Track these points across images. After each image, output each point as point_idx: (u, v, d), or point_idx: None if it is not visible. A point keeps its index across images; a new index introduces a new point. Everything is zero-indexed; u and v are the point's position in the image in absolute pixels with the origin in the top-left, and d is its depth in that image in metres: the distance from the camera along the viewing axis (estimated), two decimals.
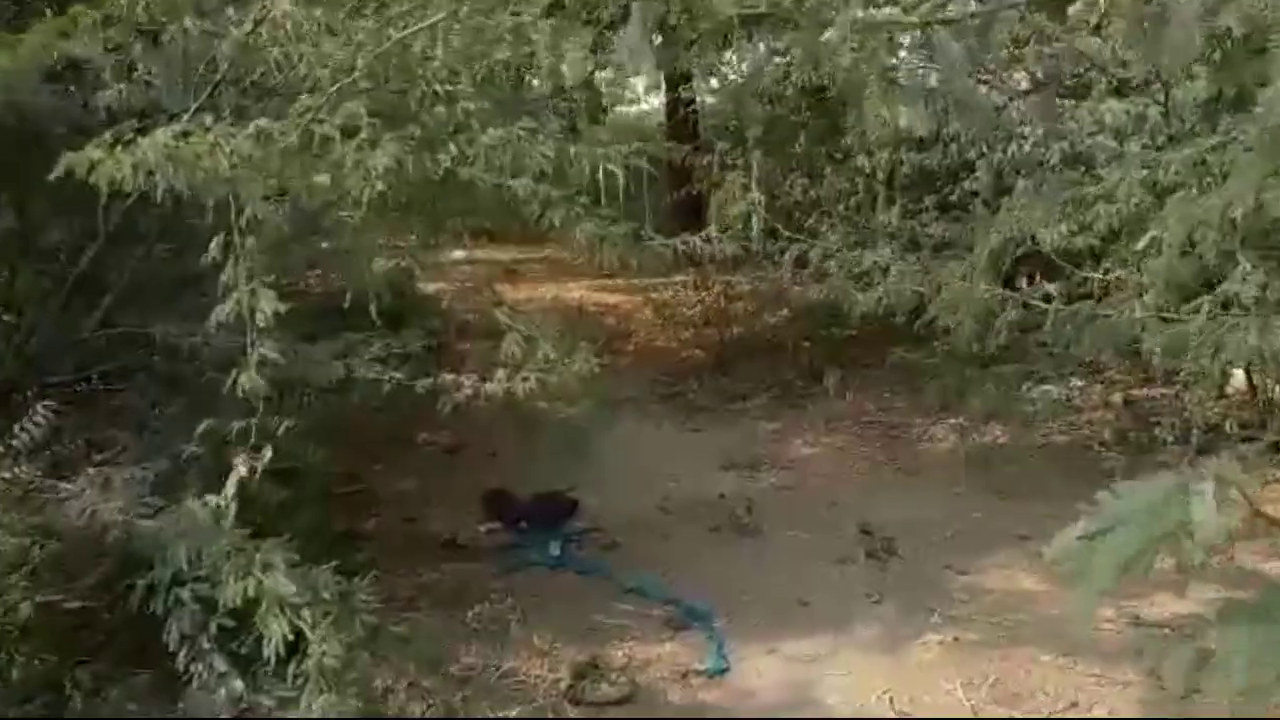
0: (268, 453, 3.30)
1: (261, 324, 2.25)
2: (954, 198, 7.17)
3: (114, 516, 2.78)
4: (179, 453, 3.23)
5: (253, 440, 3.32)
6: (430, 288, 6.29)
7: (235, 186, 2.42)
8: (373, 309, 3.62)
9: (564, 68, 2.82)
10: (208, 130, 2.55)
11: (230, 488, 2.53)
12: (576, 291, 11.06)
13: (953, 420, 6.61)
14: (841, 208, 7.98)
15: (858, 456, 6.32)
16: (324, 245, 4.29)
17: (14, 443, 2.75)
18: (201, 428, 3.02)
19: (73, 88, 3.48)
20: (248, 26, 3.17)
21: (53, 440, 3.07)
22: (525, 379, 3.96)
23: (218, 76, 3.25)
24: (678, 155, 7.85)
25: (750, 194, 7.61)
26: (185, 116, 3.01)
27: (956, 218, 7.07)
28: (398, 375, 3.83)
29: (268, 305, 2.24)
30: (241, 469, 2.50)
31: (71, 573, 2.71)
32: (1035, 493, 5.35)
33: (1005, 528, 4.99)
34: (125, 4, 2.86)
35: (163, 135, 2.35)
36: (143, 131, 3.22)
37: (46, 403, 2.87)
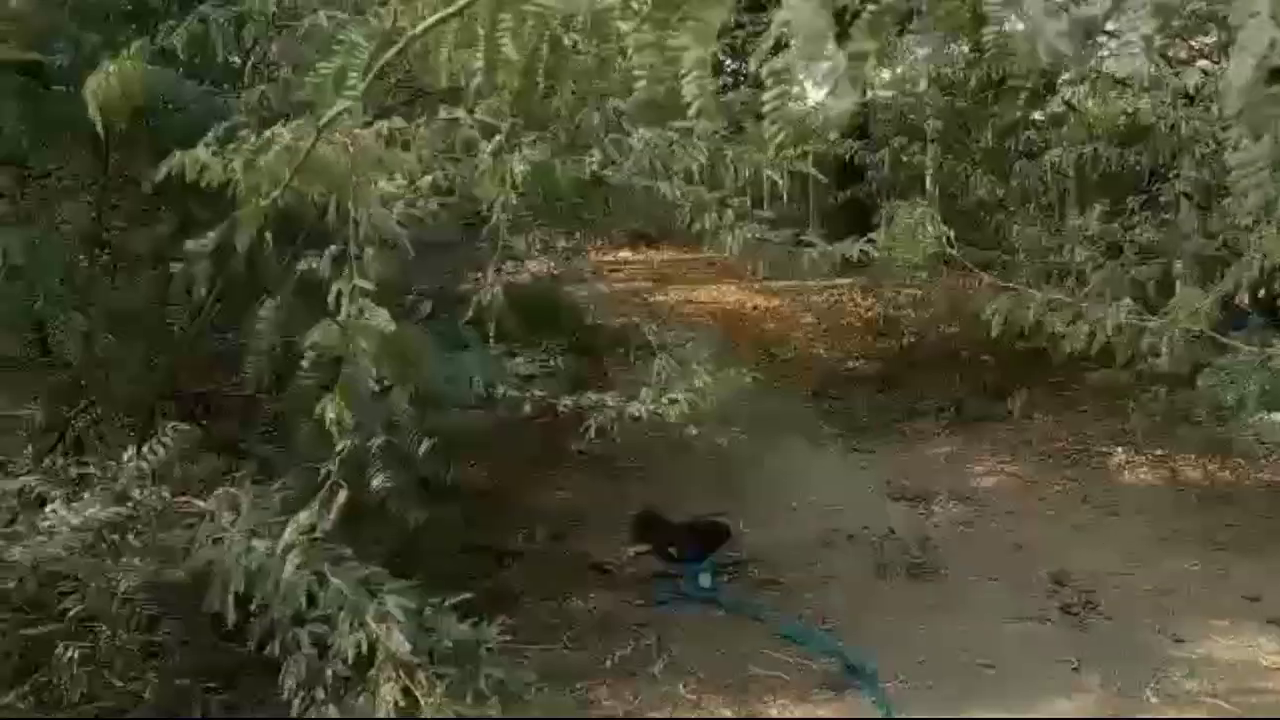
0: (378, 479, 3.11)
1: (364, 346, 1.98)
2: (1162, 198, 6.37)
3: (239, 542, 2.61)
4: (315, 471, 3.09)
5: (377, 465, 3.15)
6: (581, 292, 6.08)
7: (357, 191, 2.18)
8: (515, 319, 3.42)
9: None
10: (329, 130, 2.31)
11: (329, 520, 2.30)
12: (734, 295, 10.68)
13: (1159, 452, 5.84)
14: (1031, 208, 7.24)
15: (1047, 490, 5.64)
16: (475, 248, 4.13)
17: (143, 464, 2.63)
18: (340, 447, 2.85)
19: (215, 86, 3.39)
20: (388, 21, 2.95)
21: (187, 457, 2.95)
22: (674, 400, 3.65)
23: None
24: (847, 153, 7.35)
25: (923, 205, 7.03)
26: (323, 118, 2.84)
27: (1163, 221, 6.29)
28: (540, 393, 3.57)
29: (378, 324, 1.97)
30: (341, 498, 2.27)
31: (193, 600, 2.57)
32: (1263, 544, 4.62)
33: (1229, 585, 4.30)
34: (256, 2, 2.69)
35: (282, 135, 2.13)
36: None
37: (176, 424, 2.75)
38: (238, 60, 3.18)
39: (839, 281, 10.36)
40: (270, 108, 3.22)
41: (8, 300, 3.41)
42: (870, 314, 9.18)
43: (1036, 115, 6.95)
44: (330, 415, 1.92)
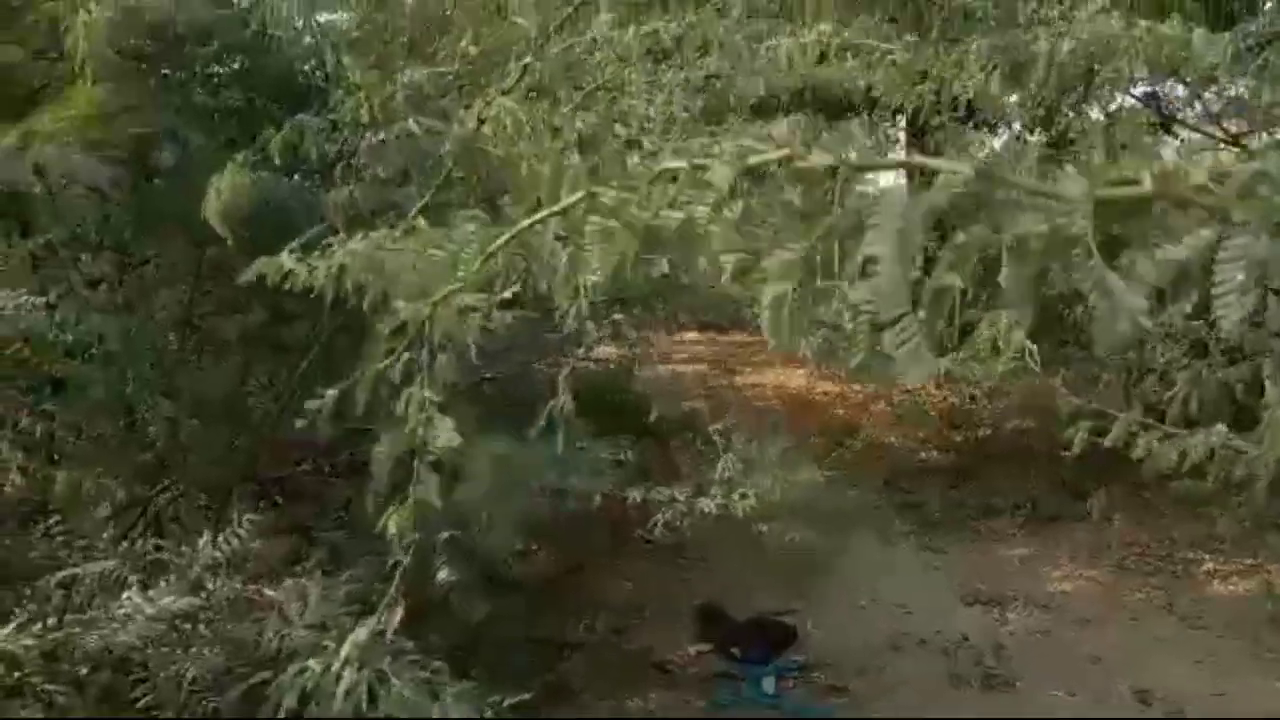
0: (443, 572, 3.12)
1: (431, 459, 1.99)
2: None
3: (303, 637, 2.63)
4: (383, 561, 3.11)
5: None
6: (650, 377, 6.10)
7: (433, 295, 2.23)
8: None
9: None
10: (412, 234, 2.38)
11: (389, 628, 2.30)
12: (801, 379, 10.60)
13: (1250, 560, 5.55)
14: None
15: (1128, 598, 5.39)
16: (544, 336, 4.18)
17: (217, 554, 2.68)
18: (408, 539, 2.87)
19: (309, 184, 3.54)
20: (470, 124, 3.06)
21: (261, 545, 3.01)
22: (744, 496, 3.62)
23: (442, 175, 3.17)
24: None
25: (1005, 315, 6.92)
26: (410, 215, 2.94)
27: (1251, 318, 6.08)
28: (606, 486, 3.57)
29: (444, 437, 1.99)
30: (399, 612, 2.26)
31: (258, 700, 2.58)
32: None
33: None
34: (349, 109, 2.82)
35: (362, 243, 2.21)
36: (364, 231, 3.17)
37: (250, 515, 2.80)
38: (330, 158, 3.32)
39: None
40: (358, 206, 3.36)
41: (101, 382, 3.56)
42: (944, 404, 9.01)
43: None
44: (391, 530, 1.93)
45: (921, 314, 0.76)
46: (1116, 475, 6.55)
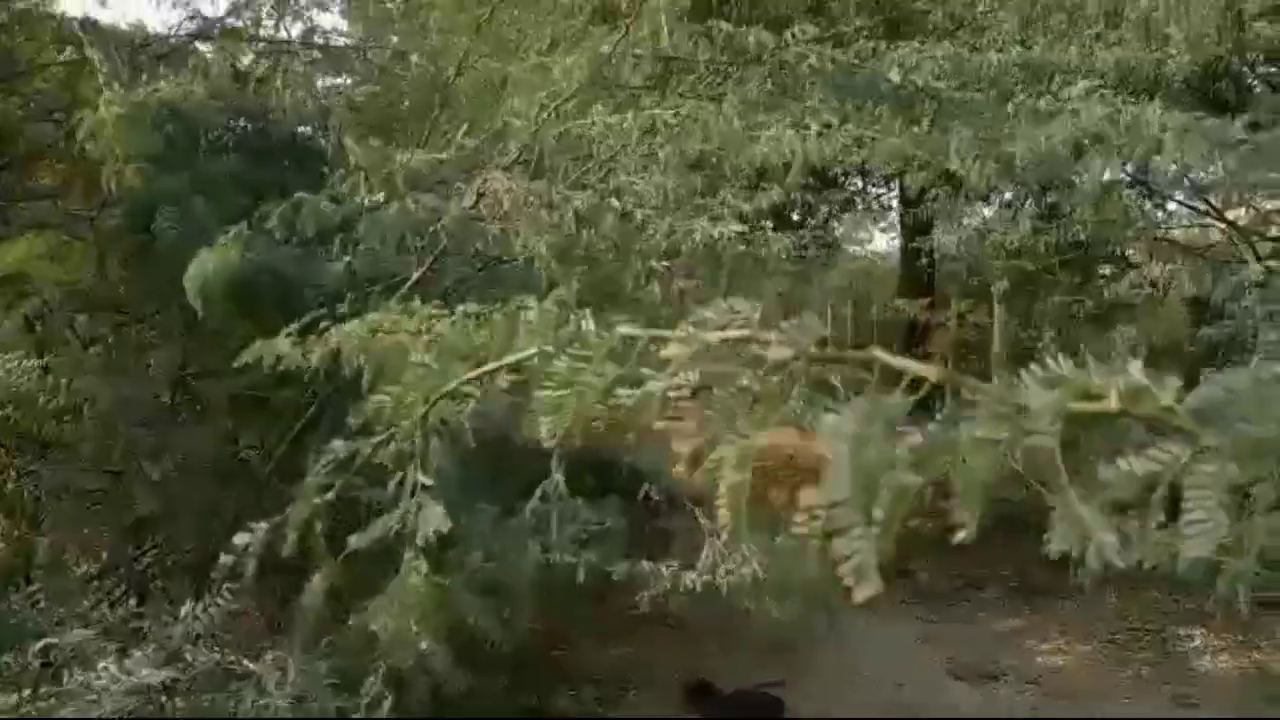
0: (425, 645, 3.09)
1: (420, 544, 2.00)
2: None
3: (282, 709, 2.60)
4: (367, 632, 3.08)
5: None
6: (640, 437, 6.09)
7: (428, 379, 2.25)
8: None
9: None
10: (409, 315, 2.41)
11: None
12: (795, 439, 10.58)
13: (1243, 637, 5.51)
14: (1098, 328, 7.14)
15: (1120, 673, 5.34)
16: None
17: (197, 624, 2.66)
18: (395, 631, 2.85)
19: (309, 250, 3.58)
20: (468, 200, 3.12)
21: (245, 611, 2.99)
22: (730, 573, 3.61)
23: (438, 249, 3.22)
24: (911, 310, 7.43)
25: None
26: (404, 288, 2.99)
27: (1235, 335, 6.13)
28: (591, 558, 3.56)
29: (433, 523, 1.99)
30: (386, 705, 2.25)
31: None
32: None
33: None
34: (348, 186, 2.87)
35: (356, 325, 2.23)
36: (363, 302, 3.21)
37: (231, 586, 2.78)
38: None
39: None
40: (355, 275, 3.40)
41: (90, 444, 3.56)
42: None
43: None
44: (375, 626, 1.93)
45: (879, 514, 0.74)
46: None
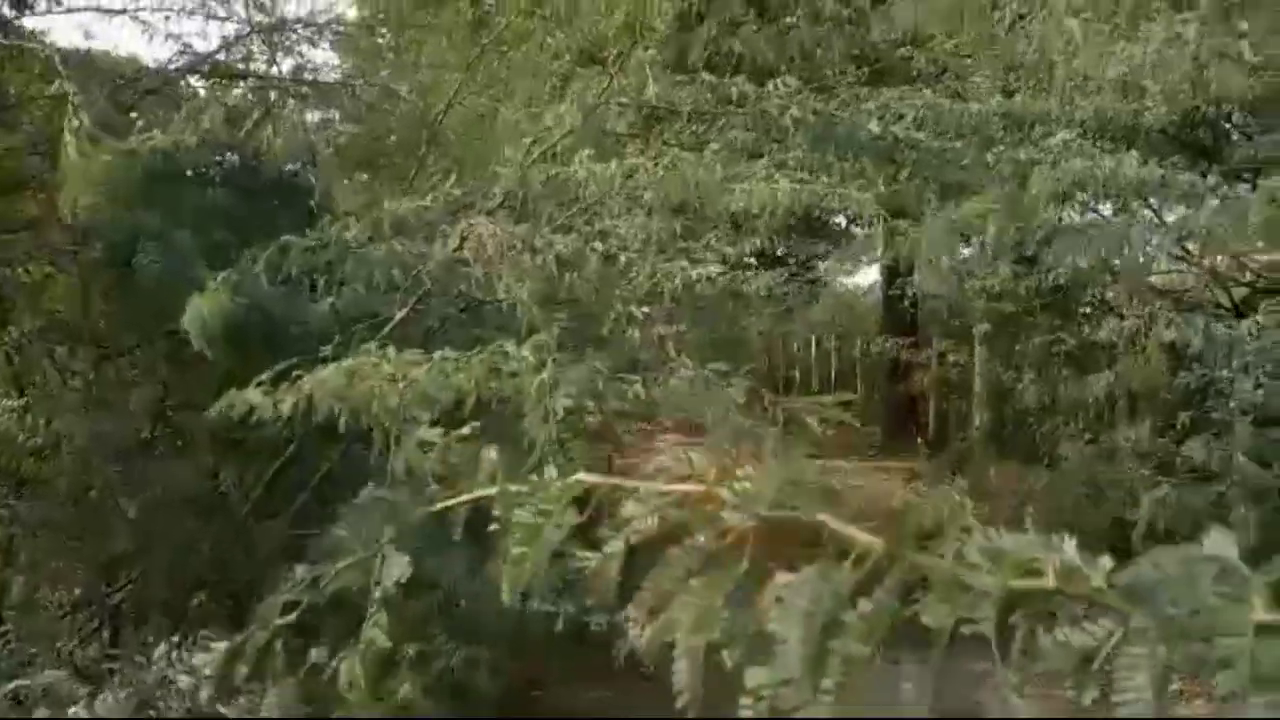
0: (405, 688, 3.08)
1: (379, 595, 1.99)
2: (1215, 414, 6.28)
3: None
4: None
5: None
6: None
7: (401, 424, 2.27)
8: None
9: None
10: (385, 361, 2.44)
11: None
12: None
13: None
14: (1080, 417, 7.19)
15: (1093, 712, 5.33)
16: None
17: (169, 671, 2.65)
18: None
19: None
20: (453, 243, 3.15)
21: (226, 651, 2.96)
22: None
23: (422, 291, 3.24)
24: (893, 350, 7.50)
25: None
26: (387, 329, 3.01)
27: (1216, 435, 6.19)
28: (569, 608, 3.54)
29: (397, 572, 1.99)
30: None
31: None
32: None
33: None
34: (335, 231, 2.90)
35: (331, 372, 2.26)
36: (347, 342, 3.22)
37: (205, 632, 2.77)
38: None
39: (888, 464, 10.37)
40: (339, 313, 3.42)
41: (69, 476, 3.55)
42: None
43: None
44: (343, 678, 1.92)
45: (829, 684, 0.74)
46: None
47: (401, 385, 2.36)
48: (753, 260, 5.44)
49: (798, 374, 11.90)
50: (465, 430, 2.48)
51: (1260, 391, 5.81)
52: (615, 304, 3.57)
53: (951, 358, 7.42)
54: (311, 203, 4.00)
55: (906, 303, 8.79)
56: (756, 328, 5.41)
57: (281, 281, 3.61)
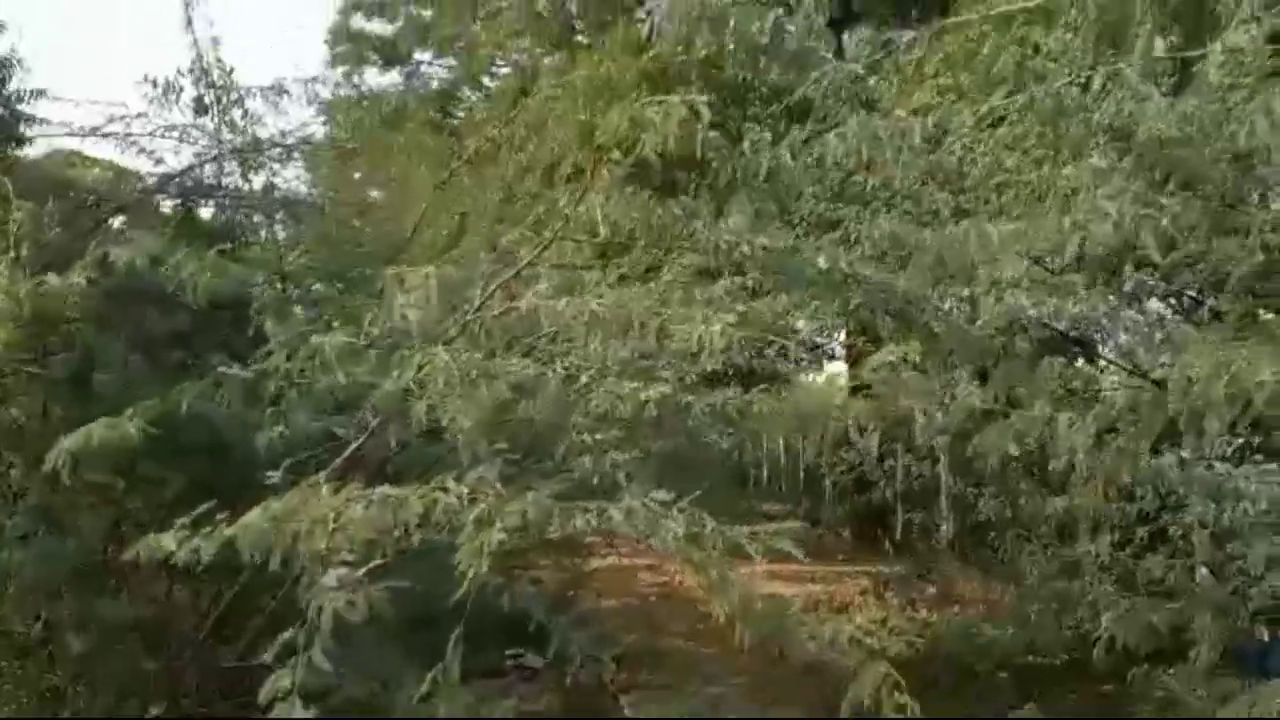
0: None
1: None
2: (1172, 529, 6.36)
3: None
4: None
5: None
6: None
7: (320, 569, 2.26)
8: None
9: None
10: (315, 500, 2.45)
11: None
12: (743, 578, 10.51)
13: None
14: (1042, 530, 7.23)
15: None
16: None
17: None
18: None
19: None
20: (406, 376, 3.18)
21: None
22: None
23: (376, 419, 3.27)
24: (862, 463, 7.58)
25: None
26: (324, 473, 3.01)
27: (1174, 553, 6.25)
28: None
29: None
30: None
31: None
32: None
33: None
34: (276, 364, 2.94)
35: (256, 516, 2.28)
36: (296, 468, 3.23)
37: None
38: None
39: (858, 567, 10.36)
40: (287, 440, 3.44)
41: (15, 605, 3.49)
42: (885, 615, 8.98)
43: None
44: None
45: None
46: (1054, 692, 6.47)
47: (332, 525, 2.37)
48: (714, 373, 5.52)
49: (768, 477, 11.93)
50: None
51: (1215, 506, 5.90)
52: (569, 430, 3.62)
53: (915, 469, 7.49)
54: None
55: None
56: (720, 442, 5.44)
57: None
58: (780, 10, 2.80)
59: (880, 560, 10.22)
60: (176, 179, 4.69)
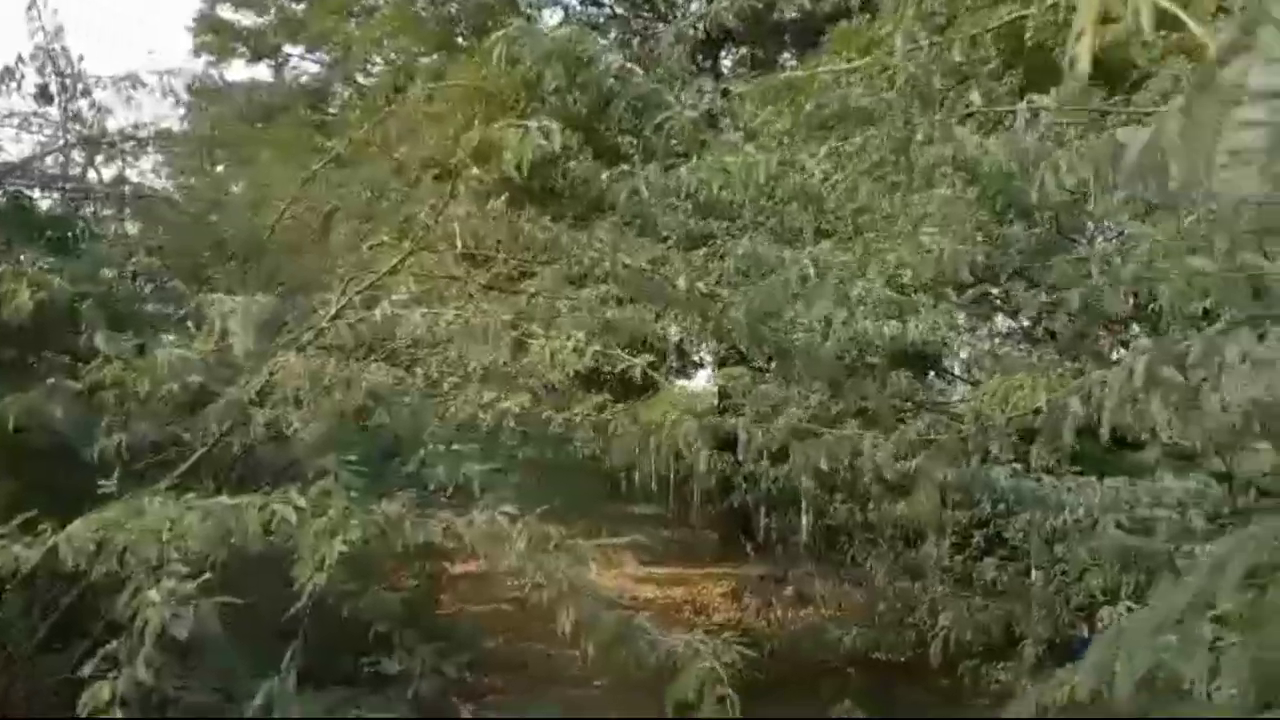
0: None
1: None
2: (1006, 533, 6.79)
3: None
4: None
5: None
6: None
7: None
8: None
9: None
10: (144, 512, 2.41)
11: None
12: (612, 581, 10.68)
13: None
14: (889, 534, 7.61)
15: None
16: None
17: None
18: None
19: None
20: (254, 386, 3.15)
21: None
22: None
23: (210, 440, 3.21)
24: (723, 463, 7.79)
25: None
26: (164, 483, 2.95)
27: (1010, 556, 6.68)
28: None
29: None
30: None
31: None
32: None
33: None
34: (109, 373, 2.87)
35: (78, 526, 2.24)
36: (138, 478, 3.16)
37: None
38: None
39: (725, 569, 10.65)
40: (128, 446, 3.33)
41: None
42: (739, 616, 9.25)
43: None
44: None
45: None
46: (901, 689, 6.82)
47: (165, 537, 2.34)
48: (587, 378, 5.58)
49: (638, 484, 12.08)
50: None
51: (1041, 514, 6.35)
52: (426, 438, 3.63)
53: (774, 474, 7.74)
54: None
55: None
56: (593, 449, 5.52)
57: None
58: (637, 43, 2.89)
59: (744, 563, 10.54)
60: (17, 169, 4.45)
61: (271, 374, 3.29)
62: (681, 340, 9.64)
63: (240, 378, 3.31)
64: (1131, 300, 5.87)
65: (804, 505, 8.34)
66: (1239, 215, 2.32)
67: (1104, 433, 2.01)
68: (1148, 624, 1.41)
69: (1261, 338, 2.20)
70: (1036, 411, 2.68)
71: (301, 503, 2.56)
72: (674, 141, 2.62)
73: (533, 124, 2.53)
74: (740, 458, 5.11)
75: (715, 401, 10.44)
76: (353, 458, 3.08)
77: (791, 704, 7.18)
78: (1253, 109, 0.95)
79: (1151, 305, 4.77)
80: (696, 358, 11.34)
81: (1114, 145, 1.75)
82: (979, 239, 5.44)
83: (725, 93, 2.32)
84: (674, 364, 10.20)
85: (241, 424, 3.21)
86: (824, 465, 3.77)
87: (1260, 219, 2.22)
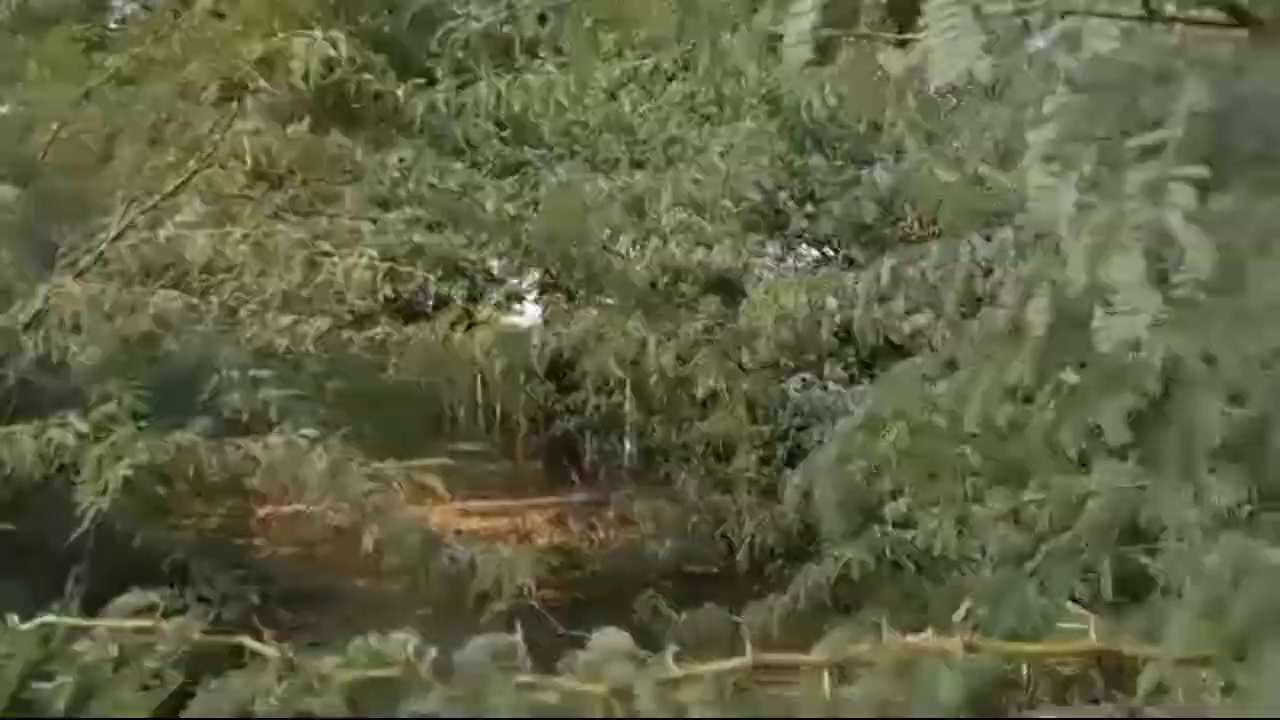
0: None
1: None
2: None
3: None
4: None
5: None
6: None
7: None
8: None
9: None
10: None
11: None
12: (436, 517, 10.65)
13: None
14: (700, 451, 7.96)
15: None
16: None
17: None
18: None
19: None
20: (25, 315, 2.98)
21: None
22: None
23: None
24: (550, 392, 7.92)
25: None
26: None
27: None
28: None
29: None
30: None
31: None
32: None
33: None
34: None
35: None
36: None
37: None
38: None
39: (551, 499, 10.81)
40: None
41: None
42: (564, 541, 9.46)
43: None
44: None
45: None
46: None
47: None
48: (399, 308, 5.49)
49: (461, 421, 11.99)
50: None
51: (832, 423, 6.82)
52: (221, 365, 3.53)
53: (597, 401, 7.93)
54: None
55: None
56: (397, 377, 5.45)
57: None
58: None
59: (569, 491, 10.73)
60: None
61: (47, 300, 3.13)
62: (500, 271, 9.63)
63: (14, 305, 3.12)
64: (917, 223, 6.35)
65: (625, 430, 8.58)
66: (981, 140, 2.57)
67: (859, 330, 2.21)
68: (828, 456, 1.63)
69: (988, 239, 2.49)
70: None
71: (83, 428, 2.49)
72: (464, 56, 2.60)
73: (317, 33, 2.48)
74: (535, 364, 5.22)
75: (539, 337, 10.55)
76: (139, 384, 2.98)
77: (610, 619, 7.49)
78: None
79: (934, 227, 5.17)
80: (519, 291, 11.30)
81: (871, 66, 1.87)
82: (779, 165, 5.71)
83: (510, 6, 2.30)
84: (497, 298, 10.17)
85: (16, 353, 3.04)
86: (614, 366, 3.94)
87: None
